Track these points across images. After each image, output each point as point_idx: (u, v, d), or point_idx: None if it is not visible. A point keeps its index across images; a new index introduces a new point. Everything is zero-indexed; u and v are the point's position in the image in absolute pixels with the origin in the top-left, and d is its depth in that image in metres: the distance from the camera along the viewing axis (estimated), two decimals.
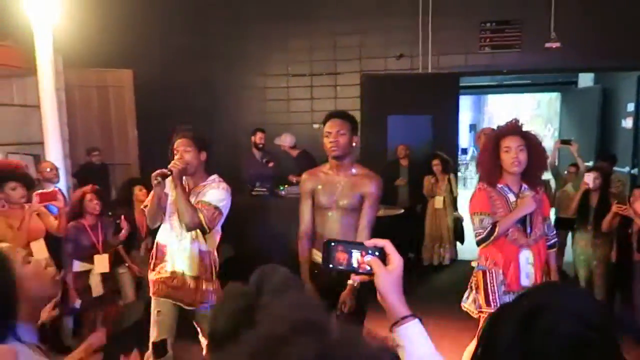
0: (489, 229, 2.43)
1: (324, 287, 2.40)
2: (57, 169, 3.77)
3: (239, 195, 5.41)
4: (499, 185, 2.51)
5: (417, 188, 5.56)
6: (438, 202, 5.47)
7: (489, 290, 2.53)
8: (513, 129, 2.50)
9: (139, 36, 5.85)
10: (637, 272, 3.46)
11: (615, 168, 5.11)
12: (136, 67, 5.86)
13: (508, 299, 2.44)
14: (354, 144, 2.51)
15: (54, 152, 4.06)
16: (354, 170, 2.54)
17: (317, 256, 2.57)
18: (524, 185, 2.52)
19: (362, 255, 0.94)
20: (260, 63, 6.24)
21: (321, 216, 2.58)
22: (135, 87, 5.92)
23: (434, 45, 5.68)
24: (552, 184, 5.12)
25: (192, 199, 2.52)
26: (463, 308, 2.68)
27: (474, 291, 2.62)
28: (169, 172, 2.41)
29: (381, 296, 0.92)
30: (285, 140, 5.54)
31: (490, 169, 2.49)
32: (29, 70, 3.99)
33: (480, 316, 2.59)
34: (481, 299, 2.55)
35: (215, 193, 2.52)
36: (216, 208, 2.49)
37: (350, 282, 2.49)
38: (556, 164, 5.00)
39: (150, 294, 2.66)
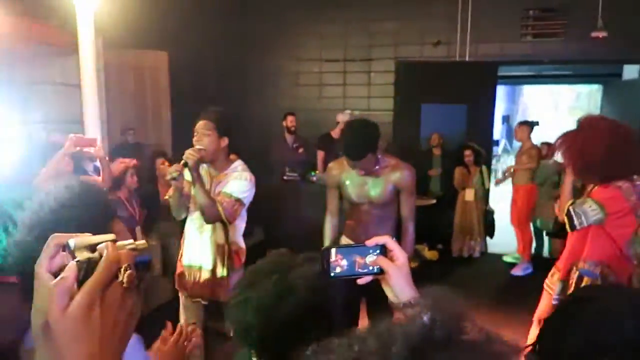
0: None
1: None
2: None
3: (270, 180, 5.48)
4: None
5: (450, 178, 5.47)
6: (469, 194, 5.37)
7: None
8: None
9: (174, 18, 5.88)
10: None
11: None
12: (170, 49, 5.91)
13: None
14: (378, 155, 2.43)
15: (93, 132, 4.14)
16: (381, 163, 2.46)
17: (346, 242, 2.58)
18: None
19: (362, 257, 0.91)
20: (294, 47, 6.21)
21: (352, 209, 2.56)
22: (169, 69, 5.99)
23: (473, 32, 5.52)
24: None
25: (215, 189, 2.41)
26: None
27: None
28: (184, 164, 2.25)
29: (396, 294, 0.90)
30: (345, 117, 5.46)
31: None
32: (71, 50, 4.07)
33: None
34: None
35: (238, 184, 2.37)
36: (237, 200, 2.34)
37: None
38: None
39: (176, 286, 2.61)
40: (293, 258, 1.05)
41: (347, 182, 2.51)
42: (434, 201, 5.14)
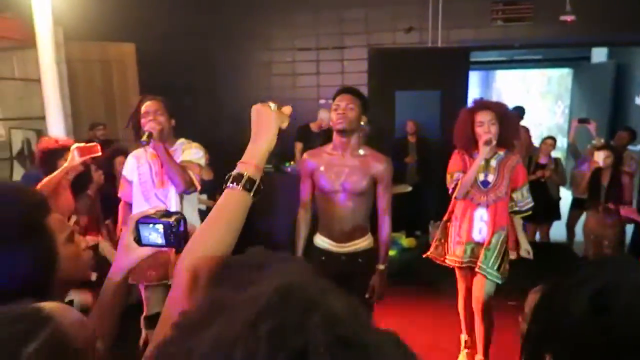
0: (455, 183, 2.74)
1: (331, 274, 2.35)
2: None
3: None
4: (475, 153, 2.73)
5: (425, 165, 5.47)
6: None
7: (449, 240, 2.87)
8: (484, 104, 2.74)
9: (141, 9, 5.70)
10: None
11: (629, 147, 5.01)
12: (138, 41, 5.73)
13: (460, 248, 2.79)
14: (362, 123, 2.39)
15: (56, 128, 3.99)
16: (361, 152, 2.40)
17: (322, 242, 2.50)
18: (500, 153, 2.73)
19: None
20: (265, 37, 6.09)
21: (326, 200, 2.44)
22: (137, 61, 5.81)
23: (444, 18, 5.50)
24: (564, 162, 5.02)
25: None
26: (429, 256, 2.97)
27: (441, 240, 2.93)
28: (148, 136, 2.31)
29: None
30: (325, 117, 5.15)
31: (466, 142, 2.73)
32: (30, 43, 3.88)
33: (446, 263, 2.90)
34: (446, 247, 2.90)
35: (192, 152, 2.51)
36: (199, 165, 2.47)
37: (380, 267, 2.45)
38: (576, 143, 4.93)
39: (134, 281, 2.52)
40: (272, 258, 0.91)
41: (322, 169, 2.41)
42: (410, 189, 5.14)
